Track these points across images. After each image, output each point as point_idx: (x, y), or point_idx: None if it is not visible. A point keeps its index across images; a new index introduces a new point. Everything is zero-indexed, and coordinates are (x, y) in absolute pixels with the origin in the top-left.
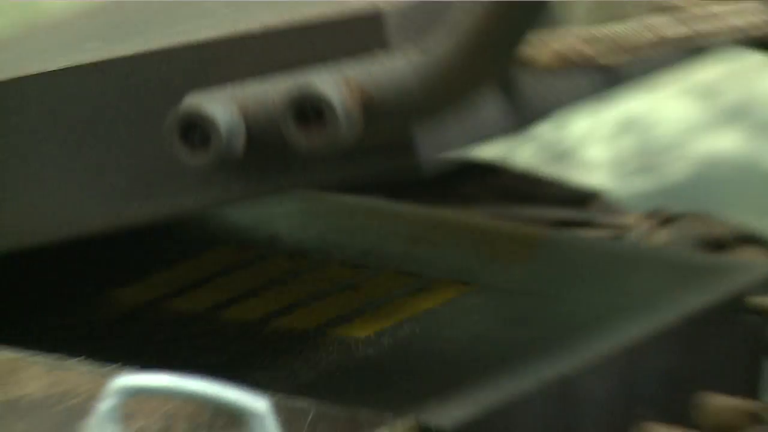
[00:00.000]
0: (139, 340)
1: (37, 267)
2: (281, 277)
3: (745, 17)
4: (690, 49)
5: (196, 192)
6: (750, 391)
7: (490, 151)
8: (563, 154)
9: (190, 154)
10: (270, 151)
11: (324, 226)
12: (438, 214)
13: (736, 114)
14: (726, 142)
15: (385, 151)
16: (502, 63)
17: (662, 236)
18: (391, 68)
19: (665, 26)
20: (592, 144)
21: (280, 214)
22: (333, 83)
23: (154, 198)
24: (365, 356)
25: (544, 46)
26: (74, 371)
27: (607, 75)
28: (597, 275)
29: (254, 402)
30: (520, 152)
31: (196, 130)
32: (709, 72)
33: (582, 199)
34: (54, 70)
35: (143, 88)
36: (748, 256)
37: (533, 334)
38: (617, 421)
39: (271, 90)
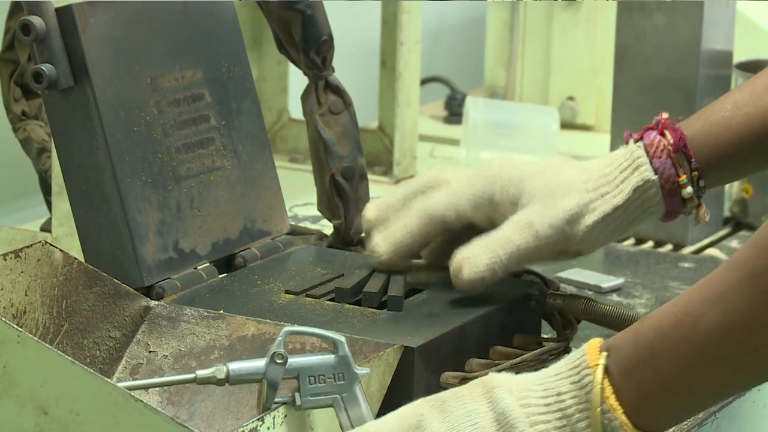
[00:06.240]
0: (287, 314)
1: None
2: None
3: None
4: None
5: None
6: (536, 333)
7: None
8: None
9: None
10: None
11: None
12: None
13: None
14: None
15: None
16: None
17: None
18: None
19: None
20: None
21: None
22: None
23: None
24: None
25: None
26: (269, 324)
27: None
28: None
29: (339, 336)
30: None
31: None
32: None
33: None
34: None
35: None
36: (530, 278)
37: (450, 308)
38: (482, 346)
39: None
